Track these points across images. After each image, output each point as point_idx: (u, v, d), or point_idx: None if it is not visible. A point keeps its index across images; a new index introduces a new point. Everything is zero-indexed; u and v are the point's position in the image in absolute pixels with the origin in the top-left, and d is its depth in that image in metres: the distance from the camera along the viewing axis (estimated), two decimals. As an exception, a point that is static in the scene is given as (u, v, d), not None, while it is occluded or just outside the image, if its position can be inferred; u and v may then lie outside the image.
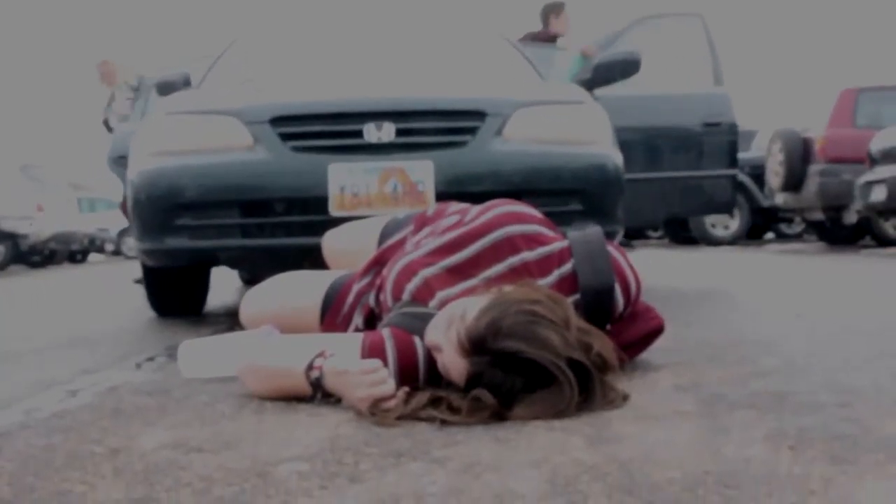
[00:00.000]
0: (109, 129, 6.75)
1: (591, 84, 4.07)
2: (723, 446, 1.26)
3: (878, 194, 7.55)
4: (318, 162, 3.02)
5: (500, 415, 1.45)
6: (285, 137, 3.06)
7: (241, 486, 1.14)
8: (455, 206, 2.15)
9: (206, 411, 1.65)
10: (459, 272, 1.81)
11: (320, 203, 3.01)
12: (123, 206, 6.36)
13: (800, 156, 9.15)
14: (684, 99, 5.22)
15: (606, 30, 6.11)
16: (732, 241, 11.00)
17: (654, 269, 6.20)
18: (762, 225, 12.22)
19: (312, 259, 2.68)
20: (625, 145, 3.42)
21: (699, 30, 5.50)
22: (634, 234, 13.21)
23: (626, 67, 4.11)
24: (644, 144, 4.98)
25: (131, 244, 6.07)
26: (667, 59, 5.53)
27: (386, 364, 1.62)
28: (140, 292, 5.51)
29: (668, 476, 1.12)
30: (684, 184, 5.10)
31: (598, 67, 4.14)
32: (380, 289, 1.94)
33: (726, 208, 5.30)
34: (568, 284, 1.80)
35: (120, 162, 4.51)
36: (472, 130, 3.10)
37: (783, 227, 12.52)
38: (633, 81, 4.33)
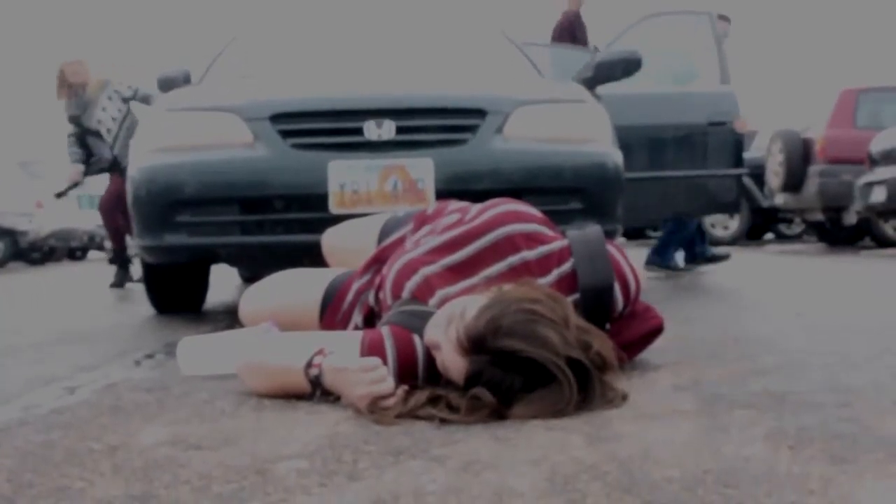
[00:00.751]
0: (89, 133, 6.08)
1: (592, 82, 4.08)
2: (722, 445, 1.26)
3: (878, 195, 7.55)
4: (318, 159, 3.02)
5: (499, 413, 1.45)
6: (285, 134, 3.06)
7: (240, 484, 1.14)
8: (455, 204, 2.15)
9: (205, 408, 1.65)
10: (459, 271, 1.81)
11: (320, 200, 3.01)
12: (103, 207, 6.22)
13: (800, 156, 9.14)
14: (689, 97, 5.20)
15: (616, 27, 6.12)
16: (732, 242, 10.99)
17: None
18: (762, 225, 12.22)
19: (312, 257, 2.68)
20: (629, 144, 3.41)
21: (707, 28, 5.48)
22: (635, 234, 13.21)
23: (627, 66, 4.11)
24: (649, 143, 4.97)
25: (129, 242, 6.04)
26: (674, 57, 5.52)
27: (385, 362, 1.62)
28: (123, 292, 5.53)
29: (668, 475, 1.12)
30: (690, 183, 5.08)
31: (599, 66, 4.14)
32: (379, 287, 1.94)
33: (732, 208, 5.28)
34: (567, 283, 1.80)
35: None
36: (472, 128, 3.10)
37: (783, 228, 12.52)
38: (636, 79, 4.32)
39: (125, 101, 6.05)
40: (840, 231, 9.64)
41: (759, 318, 3.08)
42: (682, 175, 5.02)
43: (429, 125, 3.12)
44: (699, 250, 5.77)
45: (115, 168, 6.07)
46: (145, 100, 6.03)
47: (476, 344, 1.48)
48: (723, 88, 5.27)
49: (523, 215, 1.86)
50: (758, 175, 10.32)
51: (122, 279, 6.23)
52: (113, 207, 6.08)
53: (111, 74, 6.11)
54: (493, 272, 1.79)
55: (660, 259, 5.60)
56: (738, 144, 5.09)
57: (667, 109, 5.08)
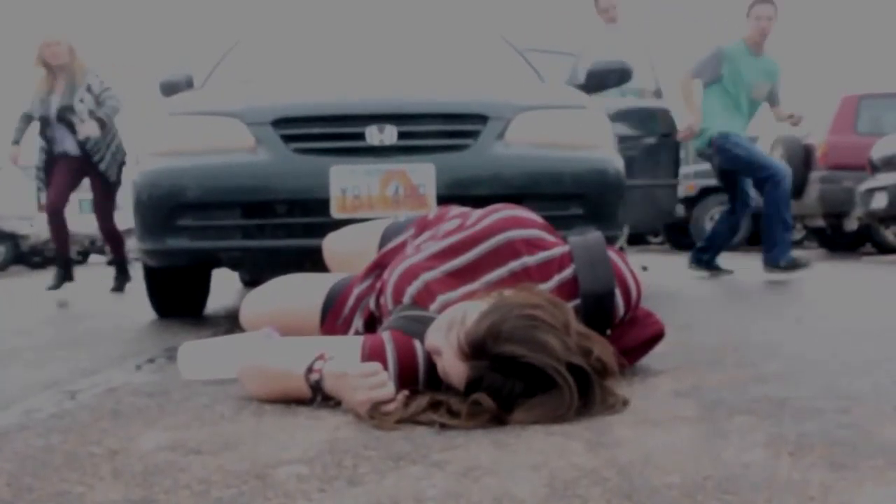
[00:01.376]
0: (60, 118, 5.78)
1: (584, 90, 4.09)
2: (722, 451, 1.26)
3: (879, 201, 7.54)
4: (319, 164, 3.03)
5: (499, 419, 1.45)
6: (287, 139, 3.07)
7: (240, 489, 1.14)
8: (456, 209, 2.15)
9: (205, 413, 1.65)
10: (460, 276, 1.81)
11: (322, 205, 3.01)
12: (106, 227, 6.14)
13: (801, 162, 9.14)
14: (643, 111, 5.54)
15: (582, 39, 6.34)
16: (733, 247, 10.98)
17: (654, 274, 6.20)
18: (763, 231, 12.20)
19: (313, 261, 2.69)
20: None
21: (639, 42, 5.76)
22: (635, 240, 13.19)
23: (621, 75, 4.17)
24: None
25: (132, 246, 6.00)
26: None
27: (386, 367, 1.62)
28: (129, 294, 5.50)
29: (668, 481, 1.12)
30: (645, 193, 5.40)
31: (591, 74, 4.16)
32: (380, 292, 1.94)
33: (669, 216, 5.57)
34: (568, 289, 1.80)
35: None
36: (473, 134, 3.10)
37: (784, 234, 12.49)
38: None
39: (95, 95, 5.79)
40: (841, 237, 9.63)
41: (759, 324, 3.08)
42: (642, 185, 5.34)
43: (430, 130, 3.13)
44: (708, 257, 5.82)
45: (87, 164, 5.89)
46: (110, 107, 5.77)
47: (477, 349, 1.48)
48: (662, 103, 5.59)
49: (524, 221, 1.86)
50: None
51: (122, 283, 6.22)
52: (110, 217, 6.05)
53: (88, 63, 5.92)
54: (493, 277, 1.79)
55: (706, 257, 5.69)
56: (676, 156, 5.46)
57: (630, 122, 5.36)
